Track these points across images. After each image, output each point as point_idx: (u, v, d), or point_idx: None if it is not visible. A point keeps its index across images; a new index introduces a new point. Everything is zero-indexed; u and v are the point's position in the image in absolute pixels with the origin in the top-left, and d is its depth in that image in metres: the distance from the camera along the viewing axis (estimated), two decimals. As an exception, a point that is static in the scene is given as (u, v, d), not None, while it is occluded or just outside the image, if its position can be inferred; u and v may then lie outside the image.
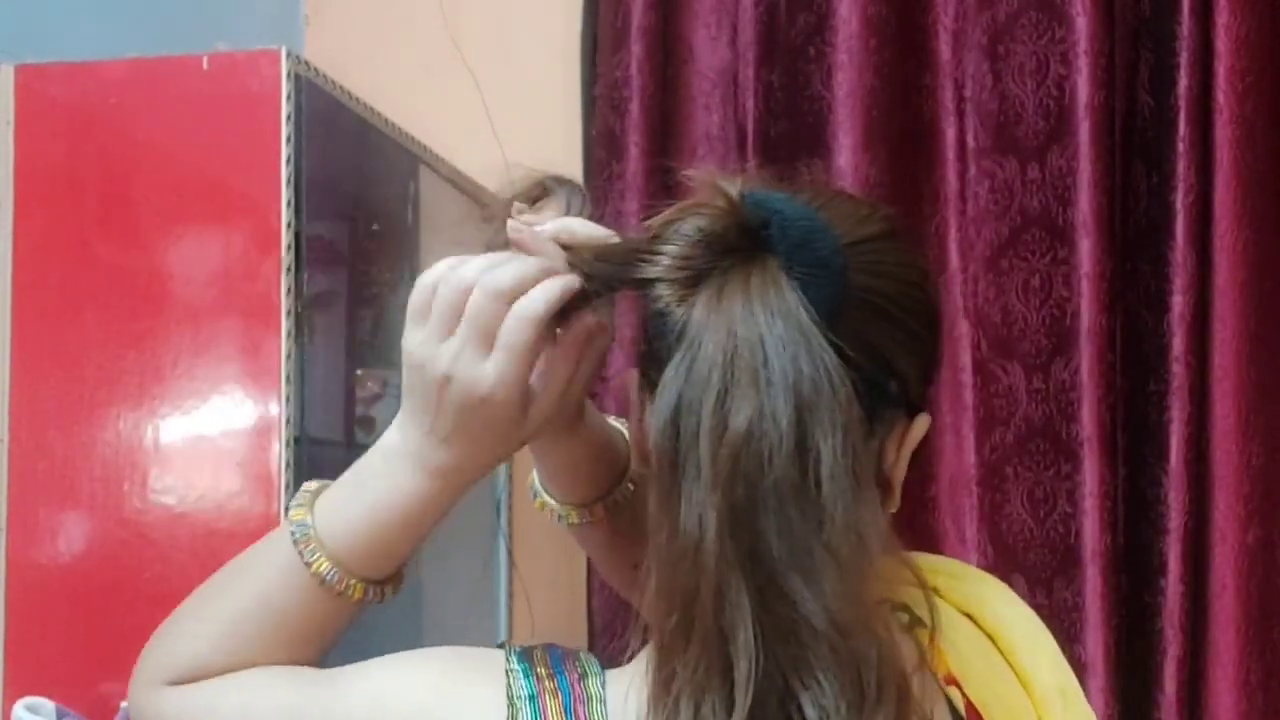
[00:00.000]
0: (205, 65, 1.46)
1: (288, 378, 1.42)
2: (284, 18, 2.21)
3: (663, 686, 0.66)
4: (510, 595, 2.12)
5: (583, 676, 0.71)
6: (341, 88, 1.61)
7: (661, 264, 0.69)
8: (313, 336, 1.50)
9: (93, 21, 1.70)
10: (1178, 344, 1.85)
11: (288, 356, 1.42)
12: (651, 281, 0.69)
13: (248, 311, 1.43)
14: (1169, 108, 1.88)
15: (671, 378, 0.67)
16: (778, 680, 0.63)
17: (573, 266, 0.72)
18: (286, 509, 0.82)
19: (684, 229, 0.69)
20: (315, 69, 1.52)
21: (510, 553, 2.12)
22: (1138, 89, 1.94)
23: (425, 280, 0.73)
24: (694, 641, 0.64)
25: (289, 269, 1.42)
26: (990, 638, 0.77)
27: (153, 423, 1.44)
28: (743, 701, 0.63)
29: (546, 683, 0.71)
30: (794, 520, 0.64)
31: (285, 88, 1.43)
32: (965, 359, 1.96)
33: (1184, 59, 1.86)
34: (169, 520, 1.43)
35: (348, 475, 0.79)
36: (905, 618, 0.76)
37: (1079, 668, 1.85)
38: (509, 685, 0.71)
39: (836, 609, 0.64)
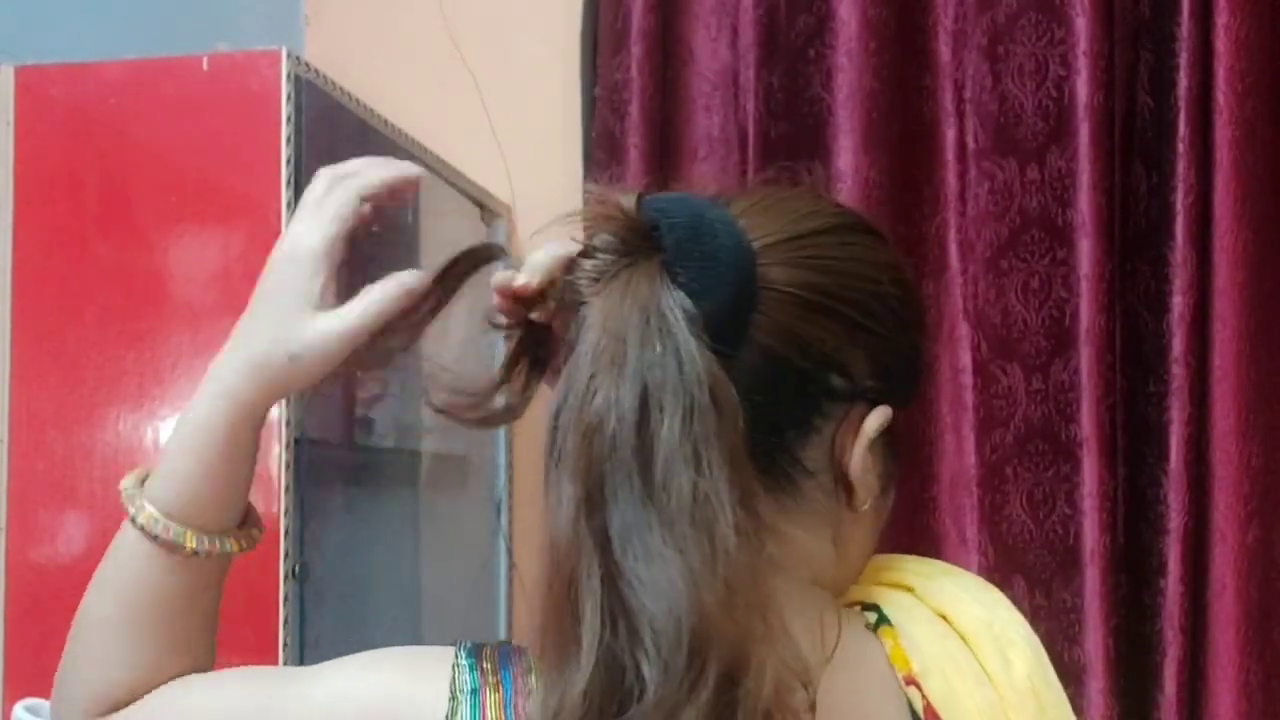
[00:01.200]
0: (205, 66, 1.46)
1: (287, 378, 1.41)
2: (284, 18, 2.21)
3: (539, 663, 0.69)
4: (510, 596, 2.13)
5: (527, 671, 0.73)
6: (341, 89, 1.61)
7: (572, 277, 0.73)
8: (313, 337, 1.49)
9: (92, 22, 1.70)
10: (1177, 345, 1.85)
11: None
12: (569, 292, 0.73)
13: (247, 312, 1.43)
14: (1169, 109, 1.88)
15: (566, 375, 0.70)
16: (622, 660, 0.65)
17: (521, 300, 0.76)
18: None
19: (592, 241, 0.73)
20: (315, 70, 1.52)
21: (510, 553, 2.12)
22: (1137, 90, 1.95)
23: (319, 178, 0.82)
24: (555, 622, 0.67)
25: (289, 270, 1.42)
26: (963, 638, 0.77)
27: (152, 423, 1.44)
28: (585, 678, 0.65)
29: (490, 677, 0.73)
30: (636, 503, 0.66)
31: (285, 88, 1.43)
32: (965, 360, 1.96)
33: (1183, 60, 1.86)
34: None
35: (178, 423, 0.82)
36: (873, 617, 0.77)
37: (1079, 668, 1.85)
38: (453, 679, 0.73)
39: (665, 591, 0.64)
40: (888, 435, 0.76)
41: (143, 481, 0.81)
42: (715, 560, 0.65)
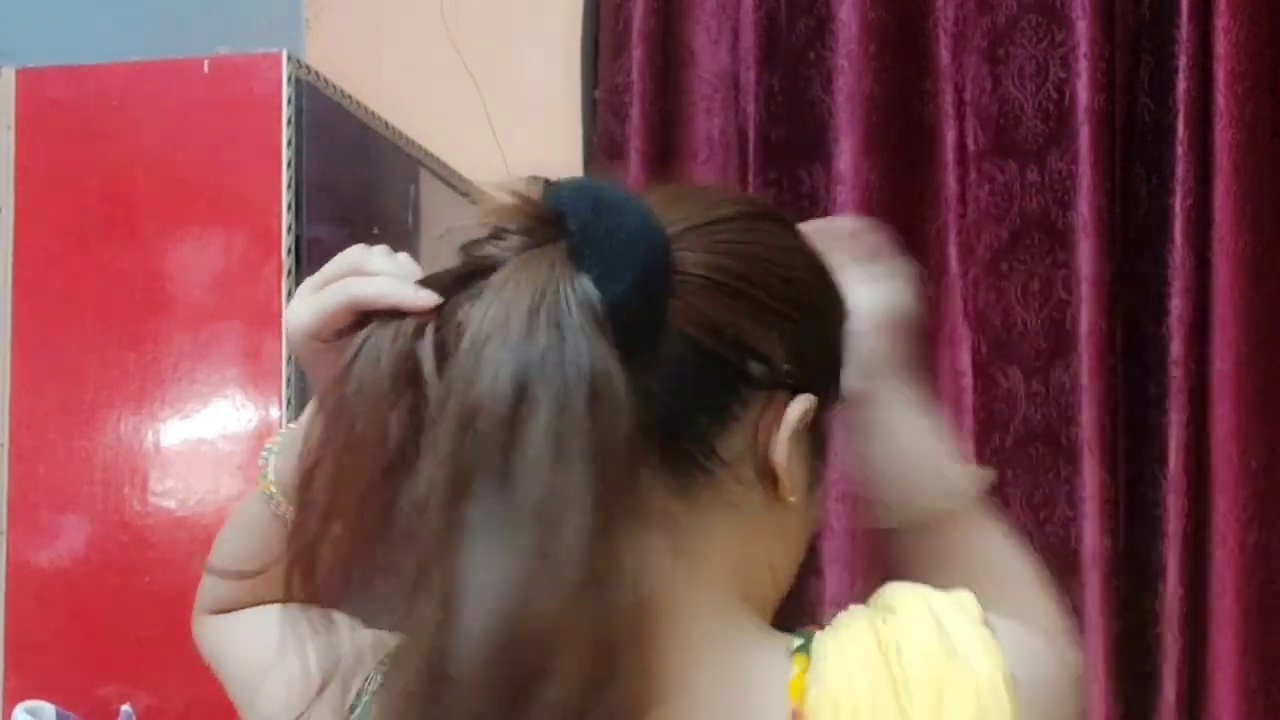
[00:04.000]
0: (206, 69, 1.47)
1: (288, 381, 1.42)
2: (285, 21, 2.22)
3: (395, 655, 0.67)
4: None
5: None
6: (342, 91, 1.61)
7: (468, 266, 0.70)
8: (313, 340, 1.49)
9: (94, 25, 1.71)
10: (1177, 347, 1.86)
11: (288, 359, 1.42)
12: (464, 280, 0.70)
13: (248, 314, 1.43)
14: (1168, 111, 1.88)
15: (451, 363, 0.67)
16: (434, 657, 0.63)
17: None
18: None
19: (493, 230, 0.70)
20: (316, 73, 1.52)
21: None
22: (1137, 92, 1.95)
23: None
24: (403, 613, 0.66)
25: (289, 272, 1.42)
26: (894, 680, 0.71)
27: (153, 426, 1.44)
28: (408, 670, 0.64)
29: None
30: (492, 497, 0.64)
31: (286, 91, 1.43)
32: (965, 362, 1.96)
33: (1183, 62, 1.86)
34: (169, 523, 1.43)
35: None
36: (799, 641, 0.73)
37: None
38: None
39: (498, 592, 0.63)
40: (812, 429, 0.74)
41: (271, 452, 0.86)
42: (555, 563, 0.63)
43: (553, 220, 0.68)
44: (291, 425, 0.86)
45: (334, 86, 1.58)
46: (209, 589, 0.90)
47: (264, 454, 0.85)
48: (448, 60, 2.21)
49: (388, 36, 2.25)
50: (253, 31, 2.07)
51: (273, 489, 0.83)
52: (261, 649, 0.81)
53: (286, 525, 0.79)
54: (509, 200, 0.70)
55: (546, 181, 0.71)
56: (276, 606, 0.80)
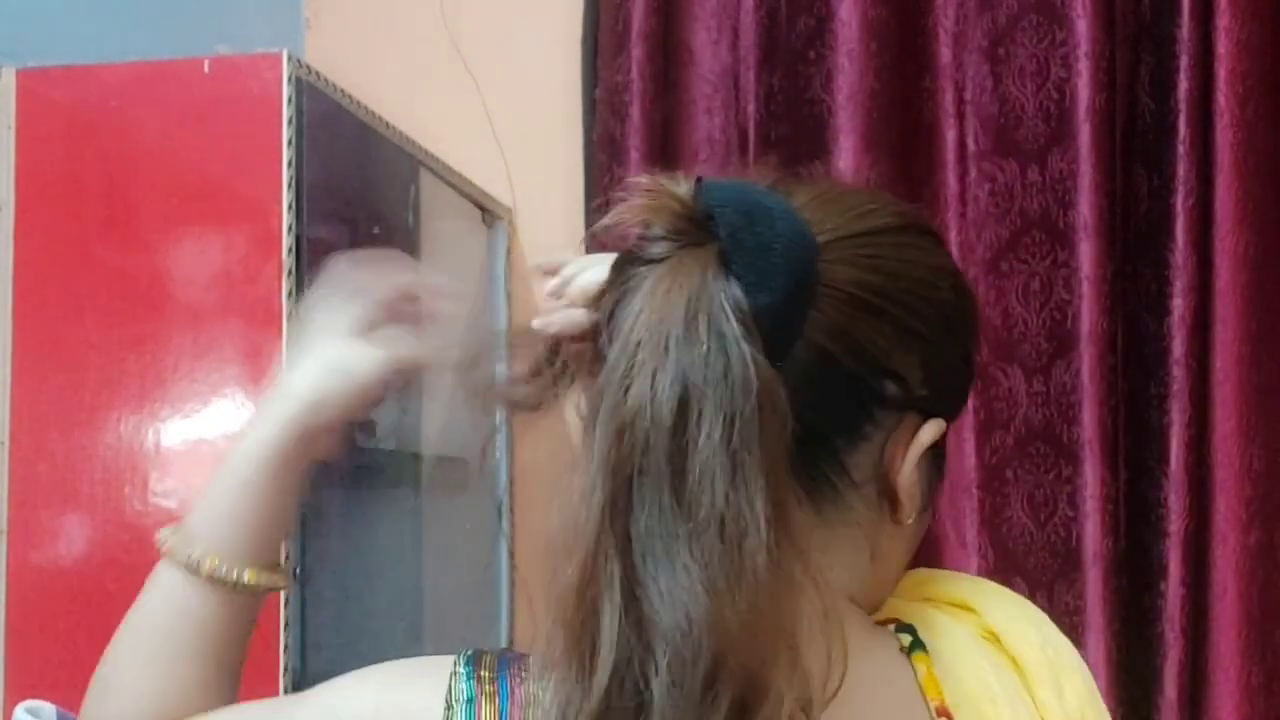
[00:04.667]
0: (206, 68, 1.46)
1: (288, 380, 1.41)
2: (285, 21, 2.21)
3: (556, 672, 0.65)
4: (511, 598, 2.12)
5: (525, 681, 0.70)
6: (342, 91, 1.61)
7: (614, 264, 0.70)
8: (313, 339, 1.49)
9: (93, 25, 1.71)
10: (1178, 347, 1.85)
11: (288, 359, 1.41)
12: (613, 281, 0.70)
13: (248, 314, 1.43)
14: (1169, 110, 1.88)
15: (604, 366, 0.66)
16: (625, 670, 0.62)
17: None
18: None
19: (643, 228, 0.69)
20: (316, 72, 1.52)
21: (512, 555, 2.11)
22: (1138, 92, 1.95)
23: None
24: (570, 628, 0.64)
25: (290, 272, 1.42)
26: (1015, 663, 0.74)
27: (154, 425, 1.44)
28: (599, 686, 0.62)
29: (487, 685, 0.70)
30: (664, 509, 0.62)
31: (286, 91, 1.43)
32: (968, 363, 1.96)
33: (1184, 62, 1.86)
34: (170, 523, 1.42)
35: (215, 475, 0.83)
36: (907, 640, 0.73)
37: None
38: (450, 687, 0.71)
39: (684, 604, 0.61)
40: (935, 449, 0.73)
41: (175, 532, 0.83)
42: (741, 579, 0.61)
43: (702, 222, 0.67)
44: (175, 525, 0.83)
45: (334, 86, 1.58)
46: (124, 714, 0.81)
47: (177, 543, 0.81)
48: (448, 60, 2.21)
49: (388, 36, 2.25)
50: (253, 31, 2.07)
51: (219, 560, 0.80)
52: None
53: (253, 584, 0.80)
54: (660, 197, 0.68)
55: (698, 179, 0.69)
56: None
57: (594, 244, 0.78)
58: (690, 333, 0.63)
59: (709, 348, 0.63)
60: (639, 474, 0.63)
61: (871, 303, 0.69)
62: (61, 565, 1.44)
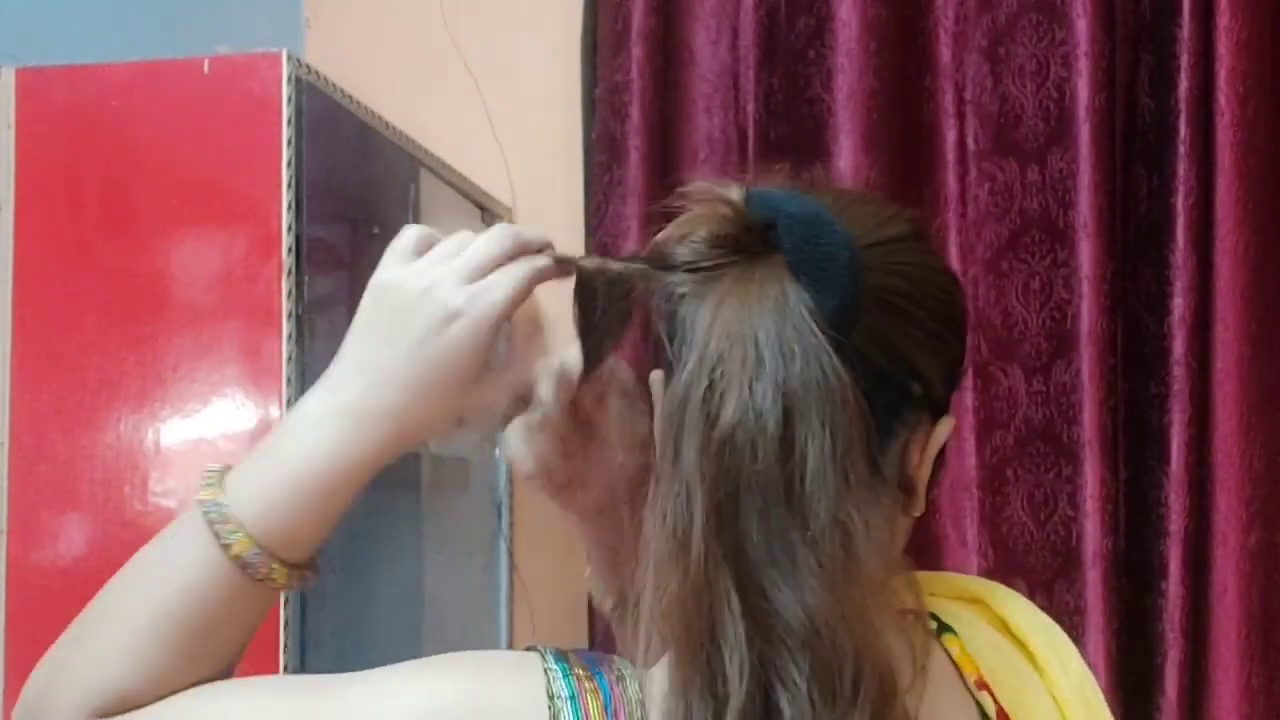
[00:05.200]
0: (206, 68, 1.46)
1: (288, 380, 1.42)
2: (285, 21, 2.21)
3: (676, 684, 0.66)
4: (511, 598, 2.12)
5: (620, 679, 0.70)
6: (342, 91, 1.61)
7: (675, 271, 0.70)
8: (313, 339, 1.49)
9: (93, 24, 1.70)
10: (1178, 346, 1.85)
11: (288, 359, 1.42)
12: (667, 287, 0.70)
13: (248, 314, 1.43)
14: (1169, 110, 1.88)
15: (677, 376, 0.67)
16: (761, 676, 0.63)
17: (586, 284, 0.74)
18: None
19: (694, 236, 0.70)
20: (316, 72, 1.52)
21: (511, 555, 2.11)
22: (1138, 91, 1.95)
23: (418, 230, 0.75)
24: (689, 637, 0.64)
25: (290, 272, 1.42)
26: (1020, 646, 0.78)
27: (153, 425, 1.44)
28: (737, 695, 0.63)
29: (586, 683, 0.70)
30: (776, 518, 0.64)
31: (286, 91, 1.43)
32: (965, 361, 1.96)
33: (1184, 61, 1.86)
34: (170, 523, 1.42)
35: (261, 448, 0.76)
36: (933, 623, 0.77)
37: (1080, 670, 1.85)
38: (548, 684, 0.69)
39: (814, 608, 0.63)
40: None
41: (221, 482, 0.76)
42: (861, 580, 0.64)
43: (760, 232, 0.69)
44: (218, 472, 0.76)
45: (334, 86, 1.58)
46: (92, 680, 0.73)
47: (213, 508, 0.74)
48: (448, 59, 2.21)
49: (388, 36, 2.25)
50: (253, 31, 2.07)
51: (258, 549, 0.73)
52: None
53: (282, 585, 0.74)
54: (715, 205, 0.70)
55: (749, 193, 0.71)
56: (235, 686, 0.73)
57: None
58: (784, 344, 0.65)
59: (804, 358, 0.65)
60: (746, 486, 0.64)
61: (902, 308, 0.72)
62: (61, 565, 1.44)
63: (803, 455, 0.64)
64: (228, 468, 0.76)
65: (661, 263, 0.70)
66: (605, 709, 0.69)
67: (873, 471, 0.70)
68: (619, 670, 0.71)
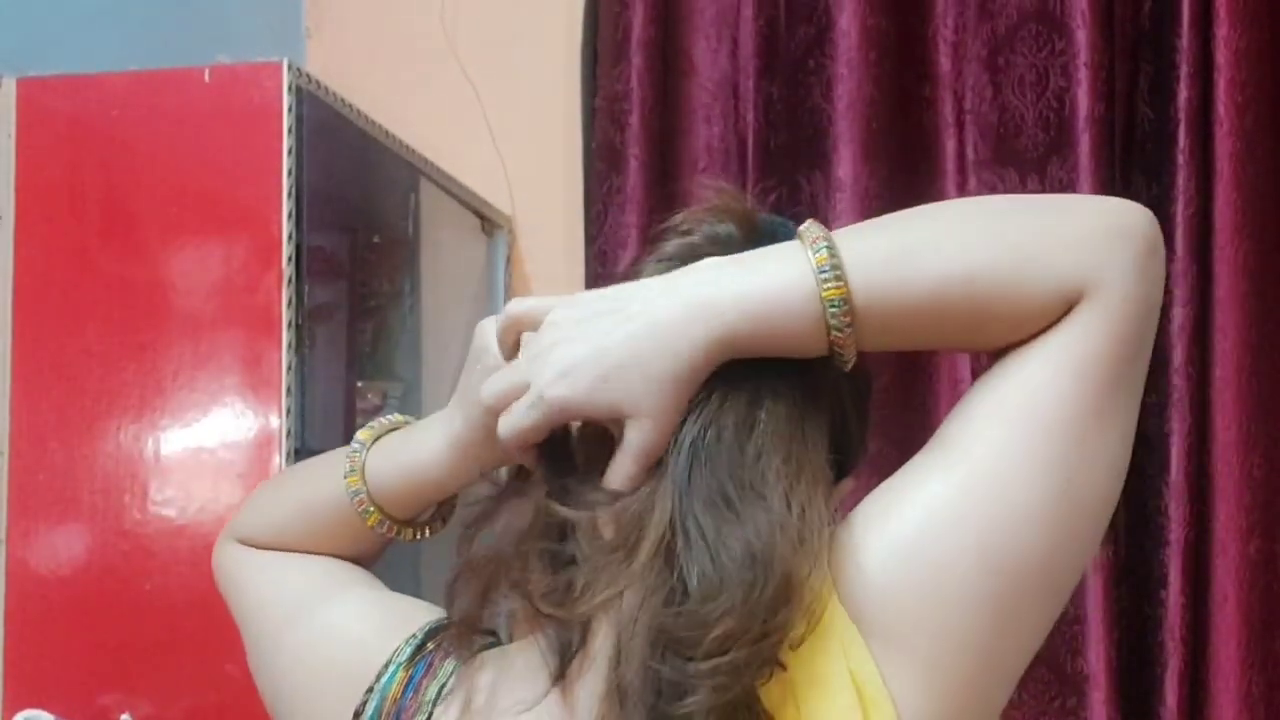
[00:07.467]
0: (206, 78, 1.47)
1: (288, 389, 1.42)
2: (285, 30, 2.22)
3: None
4: (511, 607, 2.12)
5: (447, 656, 0.80)
6: (343, 100, 1.61)
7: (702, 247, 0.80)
8: (313, 348, 1.50)
9: (94, 34, 1.71)
10: (1178, 355, 1.85)
11: (288, 368, 1.42)
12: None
13: (248, 323, 1.43)
14: (1169, 120, 1.88)
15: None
16: (678, 563, 0.72)
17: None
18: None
19: (715, 230, 0.82)
20: (316, 81, 1.52)
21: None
22: (1137, 101, 1.95)
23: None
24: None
25: (290, 281, 1.42)
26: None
27: (153, 434, 1.44)
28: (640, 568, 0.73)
29: (416, 655, 0.81)
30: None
31: (286, 100, 1.43)
32: (964, 371, 1.96)
33: (1184, 71, 1.86)
34: (169, 532, 1.43)
35: (410, 429, 0.91)
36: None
37: (1081, 679, 1.85)
38: (399, 646, 0.82)
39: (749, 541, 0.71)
40: None
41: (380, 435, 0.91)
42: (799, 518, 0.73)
43: (771, 240, 0.80)
44: (391, 419, 0.92)
45: (334, 95, 1.58)
46: (249, 520, 0.95)
47: (357, 447, 0.89)
48: (448, 69, 2.21)
49: (388, 46, 2.26)
50: (253, 41, 2.07)
51: (364, 490, 0.88)
52: (286, 596, 0.90)
53: (371, 526, 0.88)
54: (734, 209, 0.83)
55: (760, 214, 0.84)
56: (317, 561, 0.90)
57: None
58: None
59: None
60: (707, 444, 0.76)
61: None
62: (61, 574, 1.44)
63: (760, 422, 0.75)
64: (397, 424, 0.92)
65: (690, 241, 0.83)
66: (409, 681, 0.80)
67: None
68: (452, 641, 0.80)
